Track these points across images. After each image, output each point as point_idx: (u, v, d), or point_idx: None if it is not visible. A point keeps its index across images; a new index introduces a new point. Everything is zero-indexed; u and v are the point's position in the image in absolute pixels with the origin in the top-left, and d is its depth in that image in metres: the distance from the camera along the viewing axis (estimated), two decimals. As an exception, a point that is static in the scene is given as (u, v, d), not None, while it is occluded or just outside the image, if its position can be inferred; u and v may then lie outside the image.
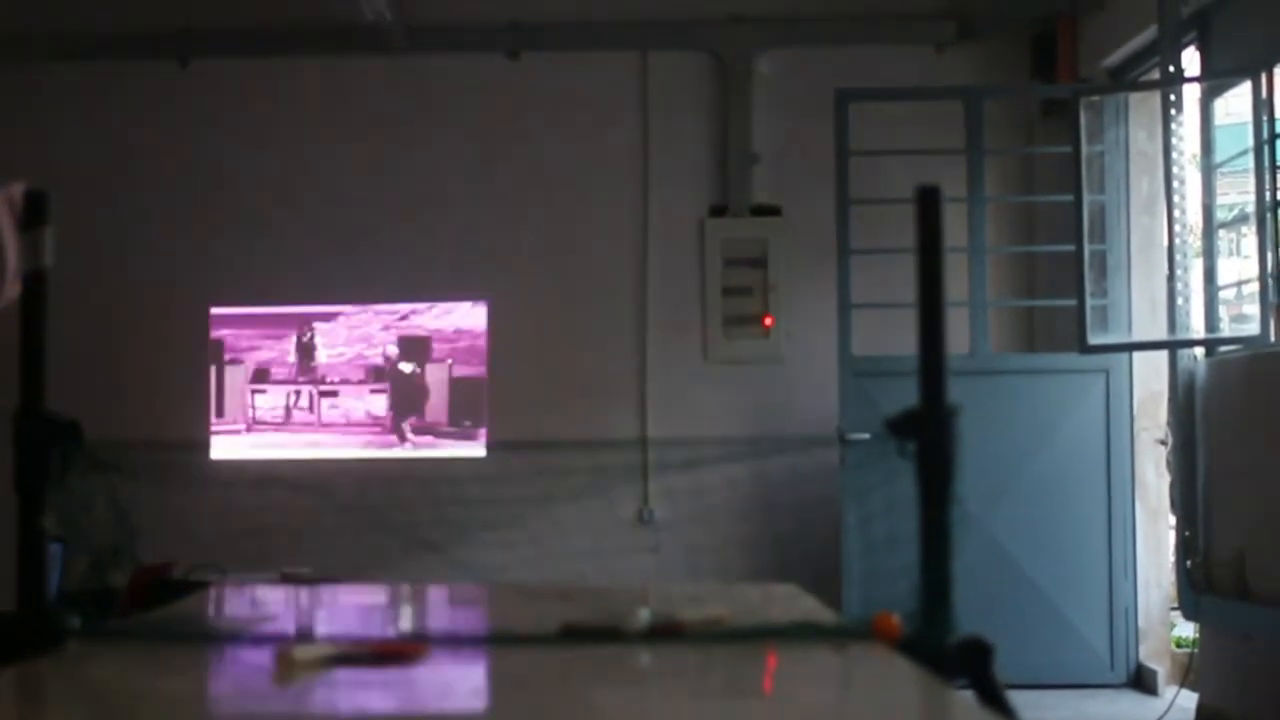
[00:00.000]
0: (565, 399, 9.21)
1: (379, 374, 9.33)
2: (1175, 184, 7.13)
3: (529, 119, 9.48)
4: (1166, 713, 7.23)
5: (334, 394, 9.33)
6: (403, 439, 9.25)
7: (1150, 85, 7.74)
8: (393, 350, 9.33)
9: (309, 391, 9.34)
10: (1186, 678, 7.55)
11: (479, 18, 9.47)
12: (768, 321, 9.30)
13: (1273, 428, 6.52)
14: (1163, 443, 8.08)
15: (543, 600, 3.32)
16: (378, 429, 9.29)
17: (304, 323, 9.35)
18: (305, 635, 2.92)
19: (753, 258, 9.33)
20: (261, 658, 2.37)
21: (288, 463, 9.13)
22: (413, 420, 9.28)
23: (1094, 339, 7.50)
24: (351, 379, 9.33)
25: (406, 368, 9.31)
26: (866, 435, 7.27)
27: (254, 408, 9.34)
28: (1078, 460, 8.02)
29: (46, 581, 2.63)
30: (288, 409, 9.33)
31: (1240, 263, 9.20)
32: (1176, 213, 7.14)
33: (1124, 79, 8.25)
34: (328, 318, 9.35)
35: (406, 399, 9.29)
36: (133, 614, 3.35)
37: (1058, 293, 8.27)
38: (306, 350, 9.35)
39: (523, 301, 9.33)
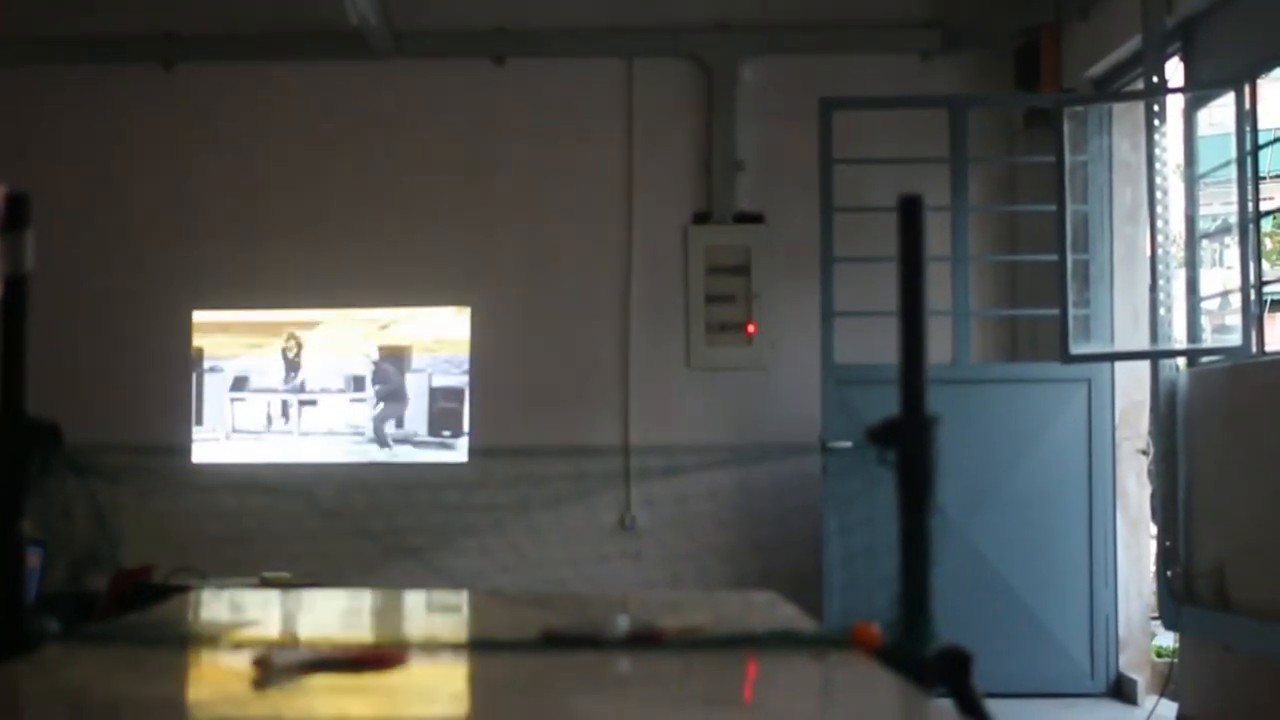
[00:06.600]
0: (547, 405, 9.20)
1: (360, 383, 9.30)
2: (1158, 194, 7.14)
3: (514, 124, 9.48)
4: (1146, 722, 7.24)
5: (313, 403, 9.30)
6: (384, 446, 9.23)
7: (1134, 96, 7.75)
8: (374, 359, 9.30)
9: (290, 400, 9.31)
10: (1166, 687, 7.56)
11: (465, 23, 9.47)
12: (750, 329, 9.30)
13: (1254, 438, 6.53)
14: (1144, 453, 8.09)
15: (523, 607, 3.32)
16: (358, 438, 9.27)
17: (285, 330, 9.32)
18: (285, 641, 2.91)
19: (736, 265, 9.33)
20: (240, 663, 2.36)
21: (268, 467, 9.10)
22: (393, 430, 9.25)
23: (1076, 348, 7.52)
24: (332, 388, 9.31)
25: (387, 377, 9.28)
26: (848, 443, 7.26)
27: (234, 416, 9.31)
28: (1059, 470, 8.03)
29: (24, 585, 2.62)
30: (268, 418, 9.30)
31: (1223, 273, 9.24)
32: (1159, 223, 7.15)
33: (1108, 89, 8.27)
34: (310, 325, 9.32)
35: (387, 408, 9.27)
36: (112, 618, 3.34)
37: (1040, 302, 8.28)
38: (287, 359, 9.32)
39: (505, 306, 9.32)
